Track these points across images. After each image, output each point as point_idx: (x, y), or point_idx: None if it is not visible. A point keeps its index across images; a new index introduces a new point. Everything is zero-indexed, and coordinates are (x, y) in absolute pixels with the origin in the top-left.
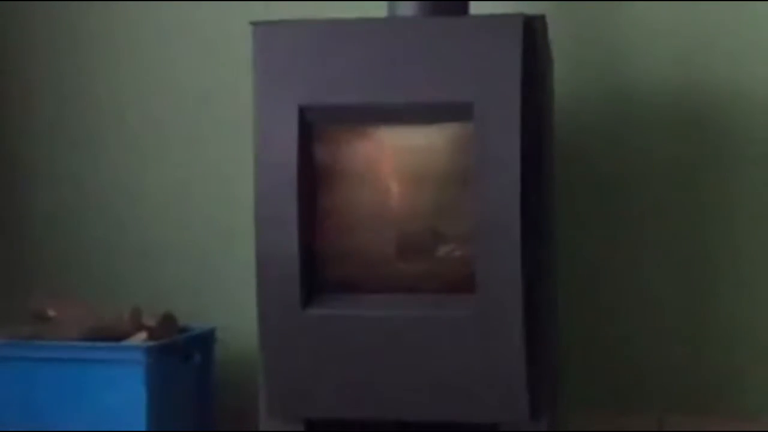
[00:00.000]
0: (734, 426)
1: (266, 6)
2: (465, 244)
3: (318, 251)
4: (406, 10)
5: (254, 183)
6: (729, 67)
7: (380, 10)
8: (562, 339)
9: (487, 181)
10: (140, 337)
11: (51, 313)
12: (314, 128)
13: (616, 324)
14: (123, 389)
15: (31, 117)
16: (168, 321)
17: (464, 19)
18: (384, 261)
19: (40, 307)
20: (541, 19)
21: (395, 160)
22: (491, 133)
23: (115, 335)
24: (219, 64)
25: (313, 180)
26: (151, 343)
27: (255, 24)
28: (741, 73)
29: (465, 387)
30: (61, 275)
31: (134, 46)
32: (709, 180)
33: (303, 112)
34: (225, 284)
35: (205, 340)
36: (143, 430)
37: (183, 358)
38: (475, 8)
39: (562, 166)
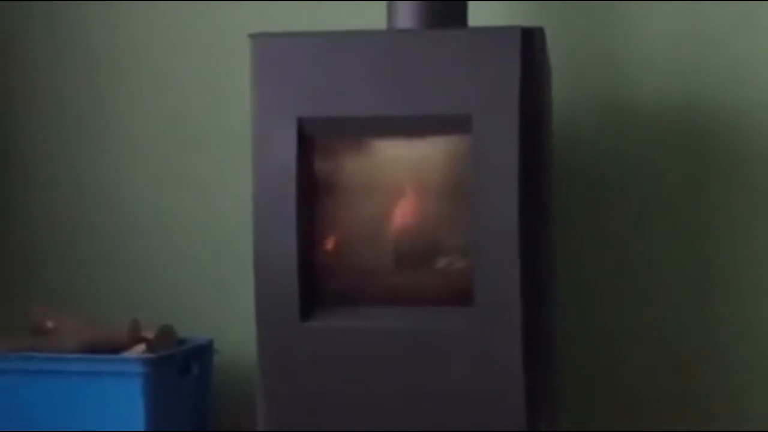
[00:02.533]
0: (732, 428)
1: (264, 18)
2: (463, 257)
3: (317, 264)
4: (405, 22)
5: (253, 195)
6: (729, 78)
7: (379, 22)
8: (560, 352)
9: (486, 193)
10: (138, 349)
11: (49, 325)
12: (313, 140)
13: (615, 335)
14: (121, 401)
15: (28, 126)
16: (166, 333)
17: (463, 31)
18: (383, 273)
19: (38, 320)
20: (540, 30)
21: (394, 173)
22: (490, 145)
23: (113, 347)
24: (218, 75)
25: (312, 192)
26: (149, 355)
27: (253, 36)
28: (741, 84)
29: (463, 400)
30: (60, 287)
31: (135, 51)
32: (708, 191)
33: (301, 124)
34: (223, 296)
35: (204, 352)
36: None
37: (181, 370)
38: (474, 20)
39: (562, 177)
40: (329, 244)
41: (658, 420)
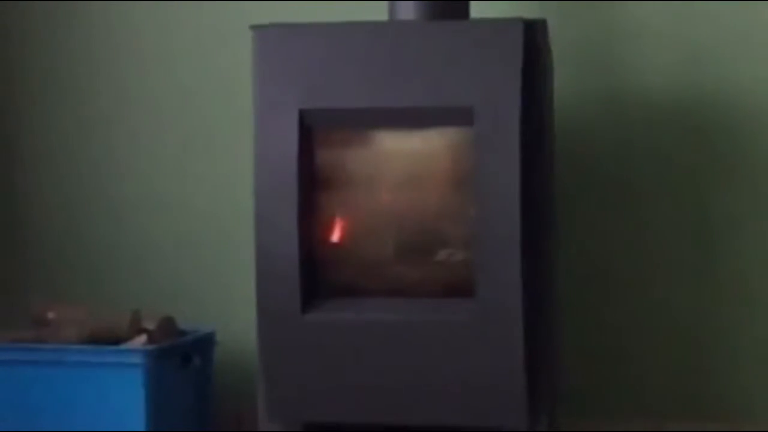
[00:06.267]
0: (733, 428)
1: (266, 10)
2: (465, 249)
3: (318, 255)
4: (407, 13)
5: (254, 186)
6: (730, 70)
7: (381, 14)
8: (561, 343)
9: (487, 185)
10: (140, 341)
11: (51, 316)
12: (314, 132)
13: (616, 327)
14: (122, 392)
15: (30, 118)
16: (167, 324)
17: (465, 23)
18: (383, 265)
19: (39, 311)
20: (542, 23)
21: (395, 164)
22: (491, 137)
23: (114, 338)
24: (219, 67)
25: (313, 184)
26: (150, 347)
27: (255, 27)
28: (742, 76)
29: (464, 391)
30: (61, 279)
31: (136, 47)
32: (710, 183)
33: (303, 115)
34: (224, 288)
35: (205, 344)
36: None
37: (182, 362)
38: (475, 12)
39: (563, 169)
40: (330, 235)
41: (660, 418)
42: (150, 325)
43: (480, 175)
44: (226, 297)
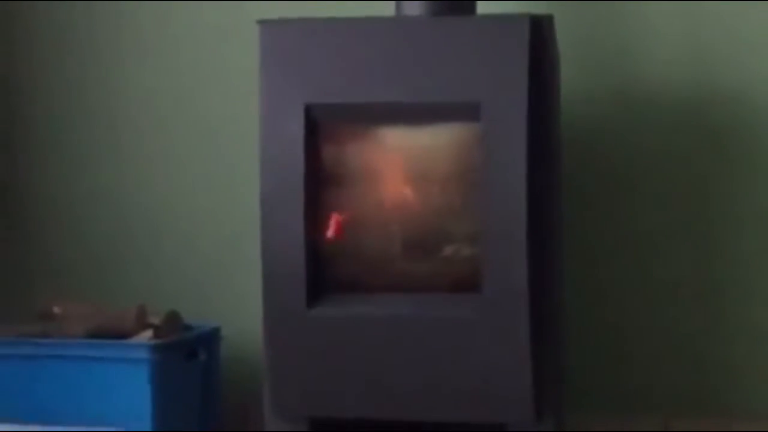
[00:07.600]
0: (739, 426)
1: (272, 5)
2: (471, 244)
3: (323, 251)
4: (414, 9)
5: (260, 182)
6: (735, 67)
7: (388, 10)
8: (567, 339)
9: (494, 181)
10: (145, 336)
11: (57, 311)
12: (320, 127)
13: (621, 325)
14: (128, 387)
15: (34, 117)
16: (173, 319)
17: (471, 18)
18: (390, 261)
19: (46, 306)
20: (549, 19)
21: (401, 160)
22: (498, 133)
23: (120, 333)
24: (225, 62)
25: (319, 179)
26: (156, 342)
27: (261, 22)
28: (747, 73)
29: (470, 387)
30: (67, 274)
31: (139, 45)
32: (714, 180)
33: (309, 110)
34: (230, 283)
35: (210, 339)
36: (148, 428)
37: (188, 357)
38: (482, 8)
39: (569, 166)
40: (336, 230)
41: (665, 417)
42: (156, 320)
43: (487, 171)
44: (232, 292)
